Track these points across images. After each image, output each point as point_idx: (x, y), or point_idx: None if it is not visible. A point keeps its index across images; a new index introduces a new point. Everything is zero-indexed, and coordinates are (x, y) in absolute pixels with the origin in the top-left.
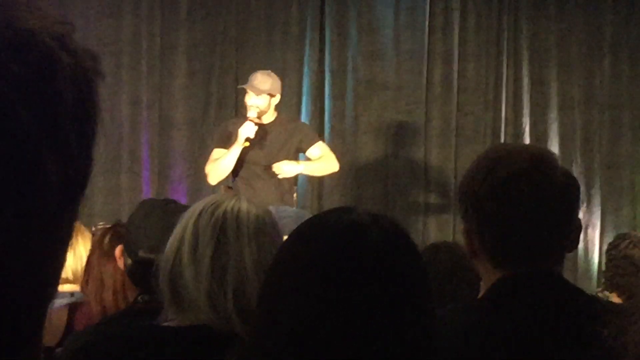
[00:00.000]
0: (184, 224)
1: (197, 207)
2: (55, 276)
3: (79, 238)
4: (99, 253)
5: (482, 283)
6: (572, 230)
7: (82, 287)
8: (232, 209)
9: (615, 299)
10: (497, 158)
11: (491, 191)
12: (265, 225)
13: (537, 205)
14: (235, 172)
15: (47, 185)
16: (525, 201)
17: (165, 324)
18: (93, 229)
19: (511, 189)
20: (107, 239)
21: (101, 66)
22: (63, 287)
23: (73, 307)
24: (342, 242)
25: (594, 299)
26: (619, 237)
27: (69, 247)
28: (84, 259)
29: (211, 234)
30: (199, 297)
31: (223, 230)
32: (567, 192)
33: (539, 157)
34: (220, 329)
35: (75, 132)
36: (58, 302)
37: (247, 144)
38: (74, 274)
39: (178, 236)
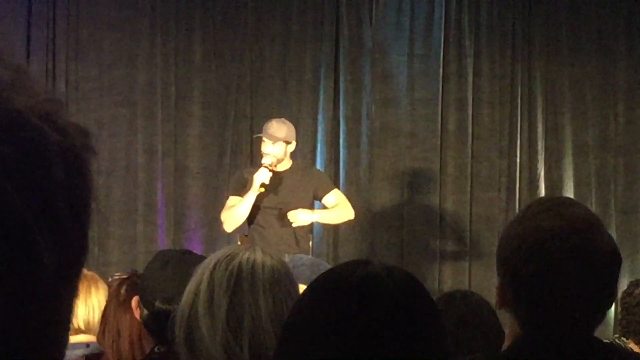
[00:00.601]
0: (200, 275)
1: (212, 258)
2: (58, 353)
3: (92, 288)
4: (116, 303)
5: (506, 332)
6: (608, 301)
7: (98, 338)
8: (247, 260)
9: (632, 345)
10: (543, 240)
11: (533, 273)
12: (280, 276)
13: (581, 288)
14: (250, 219)
15: (41, 267)
16: (568, 286)
17: None
18: (109, 279)
19: (554, 275)
20: (123, 289)
21: (92, 142)
22: (77, 338)
23: (90, 359)
24: (357, 296)
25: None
26: (633, 284)
27: (81, 300)
28: (97, 309)
29: (227, 285)
30: (215, 349)
31: (238, 282)
32: (611, 269)
33: (587, 240)
34: None
35: (69, 211)
36: (74, 354)
37: (263, 189)
38: (86, 324)
39: (194, 288)
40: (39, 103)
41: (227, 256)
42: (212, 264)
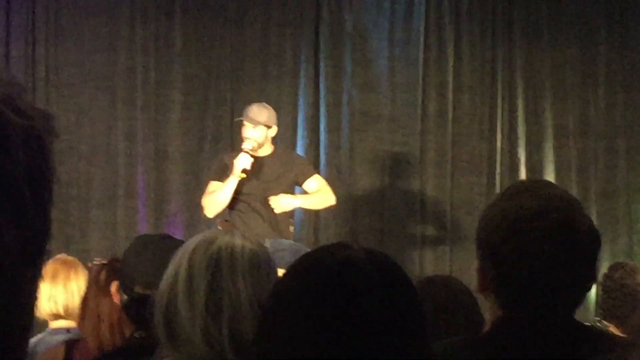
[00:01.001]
0: (178, 260)
1: (191, 243)
2: (23, 334)
3: (72, 273)
4: (95, 289)
5: (487, 318)
6: (588, 283)
7: (79, 324)
8: (226, 244)
9: (612, 328)
10: (521, 218)
11: (512, 252)
12: (259, 261)
13: (559, 265)
14: (231, 204)
15: (3, 248)
16: (547, 264)
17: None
18: (89, 264)
19: (534, 254)
20: (103, 275)
21: (54, 124)
22: (57, 323)
23: (70, 344)
24: (336, 279)
25: (600, 335)
26: (613, 268)
27: (61, 285)
28: (76, 294)
29: (205, 270)
30: (195, 334)
31: (218, 266)
32: (590, 249)
33: (566, 219)
34: None
35: (31, 193)
36: (55, 339)
37: (244, 175)
38: (66, 309)
39: (172, 272)
40: None
41: (206, 240)
42: (191, 248)
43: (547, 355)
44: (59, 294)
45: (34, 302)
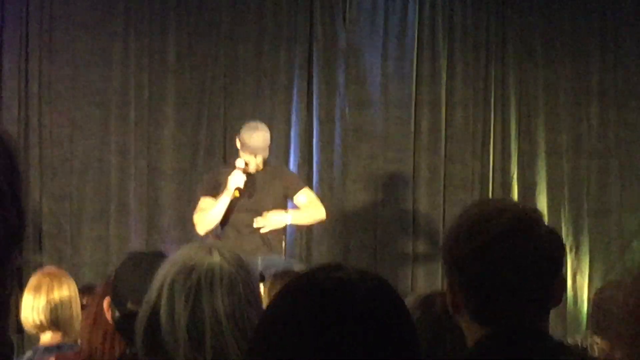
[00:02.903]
0: (159, 284)
1: (171, 267)
2: (4, 311)
3: (54, 284)
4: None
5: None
6: (556, 287)
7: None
8: (205, 266)
9: (600, 342)
10: (479, 220)
11: (473, 253)
12: (237, 279)
13: (520, 266)
14: (223, 221)
15: None
16: (508, 263)
17: None
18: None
19: (494, 252)
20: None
21: (11, 139)
22: (46, 337)
23: (59, 358)
24: (328, 301)
25: (574, 354)
26: (606, 286)
27: (42, 295)
28: (61, 305)
29: (185, 297)
30: (177, 352)
31: (198, 287)
32: (550, 252)
33: (521, 218)
34: None
35: (4, 180)
36: (46, 356)
37: (237, 193)
38: (50, 320)
39: (154, 297)
40: None
41: (184, 260)
42: (172, 270)
43: None
44: (42, 305)
45: (8, 301)
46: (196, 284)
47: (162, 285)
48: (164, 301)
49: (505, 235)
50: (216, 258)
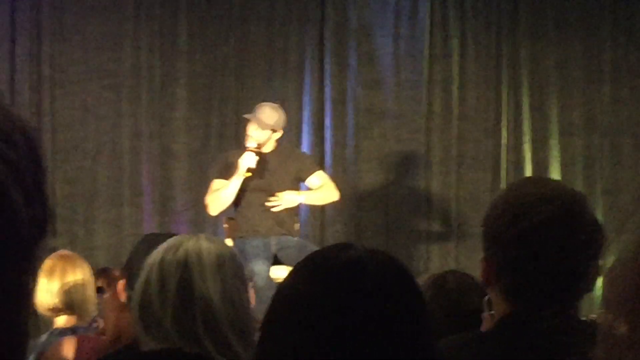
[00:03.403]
0: (149, 265)
1: (159, 250)
2: (26, 304)
3: (68, 267)
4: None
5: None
6: (591, 275)
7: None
8: (193, 248)
9: (606, 315)
10: (527, 203)
11: (517, 236)
12: (225, 261)
13: (563, 253)
14: (235, 202)
15: (19, 216)
16: (550, 249)
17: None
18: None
19: (537, 237)
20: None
21: (36, 134)
22: (61, 320)
23: (79, 341)
24: (340, 279)
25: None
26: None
27: (57, 278)
28: (75, 288)
29: (175, 271)
30: (165, 317)
31: (186, 266)
32: (594, 239)
33: (569, 207)
34: (191, 351)
35: (30, 174)
36: (60, 339)
37: (249, 174)
38: (64, 303)
39: (144, 278)
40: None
41: (173, 246)
42: (160, 255)
43: (551, 354)
44: (56, 288)
45: (36, 276)
46: (185, 258)
47: (151, 266)
48: (154, 277)
49: (550, 222)
50: (204, 241)
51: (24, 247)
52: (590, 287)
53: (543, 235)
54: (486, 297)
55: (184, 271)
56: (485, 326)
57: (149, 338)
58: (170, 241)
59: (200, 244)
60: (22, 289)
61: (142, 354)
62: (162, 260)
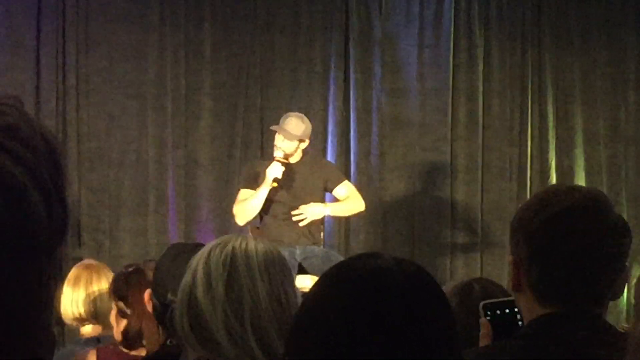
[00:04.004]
0: (195, 265)
1: (205, 248)
2: (49, 305)
3: (93, 277)
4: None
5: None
6: (620, 276)
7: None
8: (239, 245)
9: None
10: (551, 194)
11: (543, 225)
12: (274, 258)
13: (589, 241)
14: (262, 212)
15: (38, 215)
16: (576, 236)
17: None
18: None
19: (564, 223)
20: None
21: (56, 139)
22: (86, 329)
23: (99, 351)
24: (367, 289)
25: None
26: None
27: (82, 288)
28: (99, 298)
29: (222, 270)
30: (218, 331)
31: (234, 265)
32: (619, 233)
33: (593, 197)
34: None
35: (49, 178)
36: (85, 348)
37: (275, 184)
38: (89, 313)
39: (190, 277)
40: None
41: (219, 244)
42: (206, 253)
43: (582, 357)
44: (81, 298)
45: (60, 278)
46: (231, 257)
47: (197, 264)
48: (199, 275)
49: (575, 209)
50: (251, 240)
51: (44, 248)
52: (618, 290)
53: (568, 221)
54: (481, 303)
55: (231, 270)
56: (482, 332)
57: (203, 351)
58: (214, 241)
59: (247, 243)
60: (44, 290)
61: None
62: (208, 260)
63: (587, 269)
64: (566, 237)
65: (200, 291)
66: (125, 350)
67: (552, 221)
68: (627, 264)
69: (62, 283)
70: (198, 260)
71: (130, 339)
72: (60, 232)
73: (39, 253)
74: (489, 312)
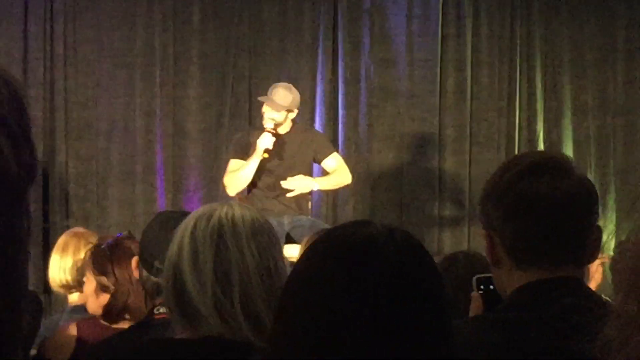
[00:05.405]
0: (180, 236)
1: (191, 218)
2: (21, 248)
3: (81, 244)
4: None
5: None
6: (593, 235)
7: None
8: (226, 214)
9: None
10: (516, 156)
11: (511, 182)
12: (261, 226)
13: (557, 193)
14: (251, 182)
15: (7, 162)
16: (542, 188)
17: (178, 337)
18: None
19: (530, 177)
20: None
21: (16, 83)
22: (73, 297)
23: (82, 323)
24: (358, 256)
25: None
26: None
27: (70, 255)
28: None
29: (210, 241)
30: (206, 308)
31: (221, 235)
32: (582, 193)
33: (555, 157)
34: (232, 339)
35: (14, 121)
36: (72, 318)
37: (266, 155)
38: (76, 280)
39: (175, 249)
40: None
41: (205, 213)
42: (192, 223)
43: (571, 321)
44: (68, 265)
45: (27, 241)
46: (218, 228)
47: (182, 236)
48: (186, 249)
49: (539, 163)
50: (237, 208)
51: (14, 190)
52: (592, 252)
53: (534, 176)
54: (475, 277)
55: (219, 243)
56: (473, 305)
57: (189, 328)
58: (200, 210)
59: (233, 212)
60: (15, 231)
61: (179, 343)
62: (194, 230)
63: (557, 223)
64: (533, 190)
65: (187, 268)
66: (106, 323)
67: (518, 176)
68: (598, 224)
69: (50, 251)
70: (183, 231)
71: (114, 314)
72: (28, 174)
73: (8, 195)
74: (482, 286)
